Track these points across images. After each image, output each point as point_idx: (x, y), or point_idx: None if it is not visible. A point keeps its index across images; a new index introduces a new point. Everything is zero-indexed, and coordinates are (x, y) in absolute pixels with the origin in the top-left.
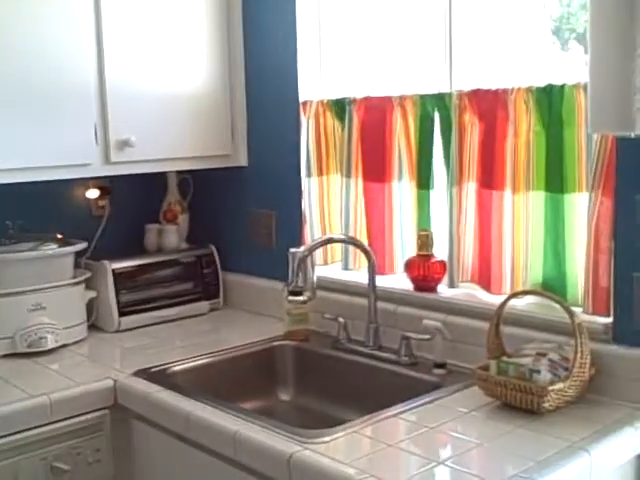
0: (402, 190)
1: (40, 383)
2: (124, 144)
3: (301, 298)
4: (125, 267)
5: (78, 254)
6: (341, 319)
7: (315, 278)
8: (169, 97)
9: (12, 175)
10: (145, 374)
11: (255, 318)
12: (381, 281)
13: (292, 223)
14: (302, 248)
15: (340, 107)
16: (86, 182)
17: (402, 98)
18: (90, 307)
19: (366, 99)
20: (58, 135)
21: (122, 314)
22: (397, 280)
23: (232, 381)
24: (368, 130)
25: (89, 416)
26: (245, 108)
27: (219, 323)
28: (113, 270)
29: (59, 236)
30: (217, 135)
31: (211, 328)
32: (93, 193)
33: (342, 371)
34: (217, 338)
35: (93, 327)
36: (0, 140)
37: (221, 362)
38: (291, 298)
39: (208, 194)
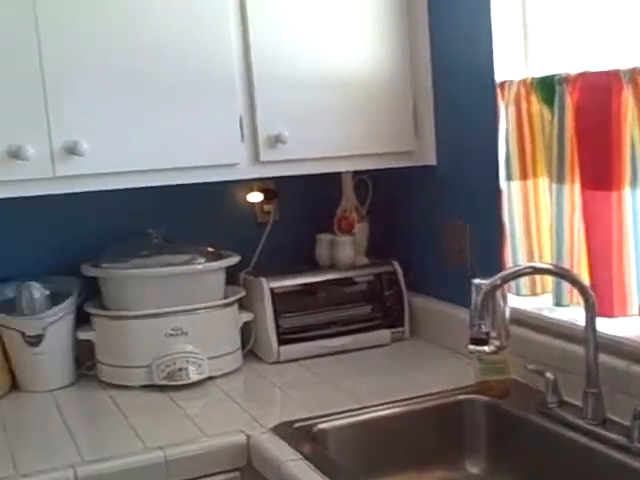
0: (638, 201)
1: (162, 430)
2: (275, 140)
3: (486, 349)
4: (287, 286)
5: (233, 268)
6: (550, 374)
7: (508, 315)
8: (333, 83)
9: (148, 178)
10: (286, 430)
11: (444, 355)
12: (607, 326)
13: (489, 239)
14: (492, 278)
15: (548, 87)
16: (249, 183)
17: (635, 72)
18: (248, 331)
19: (583, 75)
20: (199, 131)
21: (282, 342)
22: (631, 326)
23: (404, 444)
24: (587, 117)
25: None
26: (432, 94)
27: (400, 359)
28: (272, 289)
29: (209, 249)
30: (397, 128)
31: (389, 365)
32: (256, 197)
33: (550, 446)
34: (391, 382)
35: (252, 354)
36: (135, 139)
37: (391, 418)
38: (472, 348)
39: (390, 199)
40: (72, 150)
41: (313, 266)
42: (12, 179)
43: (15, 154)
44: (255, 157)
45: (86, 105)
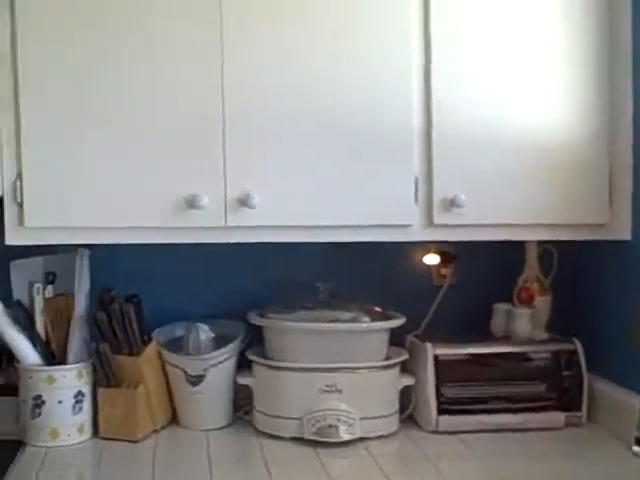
0: None
1: None
2: (451, 203)
3: None
4: (454, 354)
5: (401, 330)
6: None
7: None
8: (518, 146)
9: (317, 234)
10: None
11: (621, 450)
12: None
13: None
14: None
15: None
16: (425, 245)
17: None
18: (409, 396)
19: None
20: (372, 190)
21: (443, 412)
22: None
23: None
24: None
25: None
26: (631, 161)
27: (570, 447)
28: (436, 356)
29: (376, 308)
30: (589, 197)
31: (556, 452)
32: (433, 259)
33: None
34: (553, 472)
35: (411, 420)
36: (306, 195)
37: None
38: (637, 449)
39: (577, 272)
40: (244, 202)
41: (486, 336)
42: (187, 226)
43: (191, 203)
44: (428, 220)
45: (261, 158)
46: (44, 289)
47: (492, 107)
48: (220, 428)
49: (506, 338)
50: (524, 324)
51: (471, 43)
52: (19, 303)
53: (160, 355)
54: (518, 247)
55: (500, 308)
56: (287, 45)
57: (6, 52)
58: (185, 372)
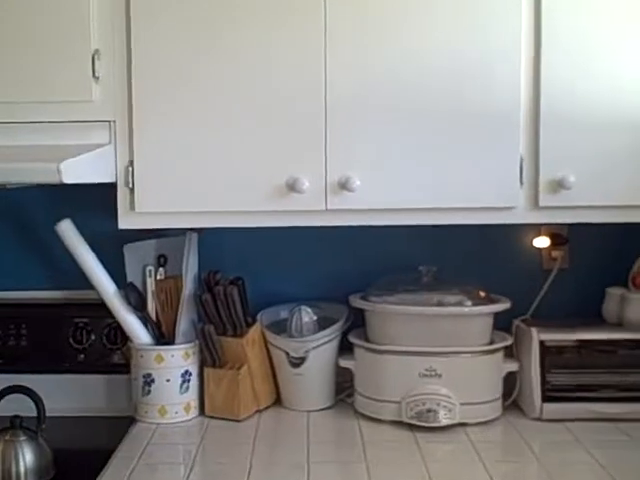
0: None
1: (392, 469)
2: (558, 185)
3: None
4: (561, 340)
5: (508, 314)
6: None
7: None
8: (632, 125)
9: (418, 216)
10: None
11: None
12: None
13: None
14: None
15: None
16: (535, 227)
17: None
18: (513, 382)
19: None
20: (474, 172)
21: (548, 399)
22: None
23: None
24: None
25: None
26: None
27: None
28: (542, 342)
29: (480, 292)
30: None
31: None
32: (543, 241)
33: None
34: None
35: (515, 406)
36: (407, 177)
37: None
38: None
39: None
40: (344, 185)
41: (597, 321)
42: (288, 210)
43: (292, 187)
44: (534, 202)
45: (361, 141)
46: (156, 271)
47: (605, 83)
48: (321, 410)
49: (619, 324)
50: (638, 310)
51: (583, 16)
52: (132, 285)
53: (264, 337)
54: (635, 229)
55: (613, 293)
56: (390, 28)
57: (122, 41)
58: (287, 354)
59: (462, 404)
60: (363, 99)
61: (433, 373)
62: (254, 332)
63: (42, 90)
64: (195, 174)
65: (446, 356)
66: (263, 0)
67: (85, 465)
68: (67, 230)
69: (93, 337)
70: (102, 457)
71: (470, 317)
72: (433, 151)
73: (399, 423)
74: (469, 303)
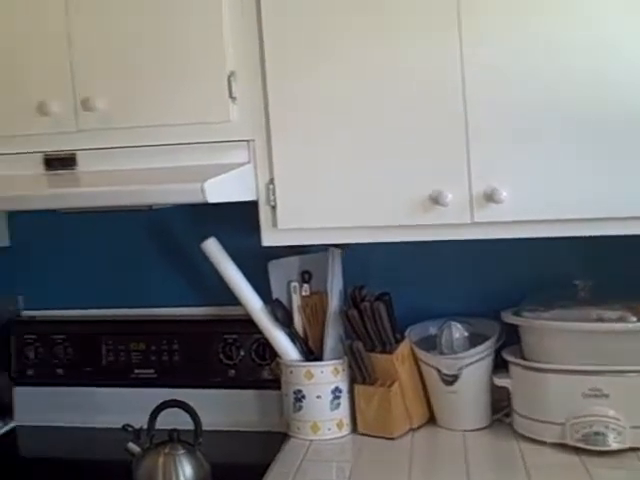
0: None
1: None
2: None
3: None
4: None
5: None
6: None
7: None
8: None
9: (574, 227)
10: None
11: None
12: None
13: None
14: None
15: None
16: None
17: None
18: None
19: None
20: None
21: None
22: None
23: None
24: None
25: None
26: None
27: None
28: None
29: None
30: None
31: None
32: None
33: None
34: None
35: None
36: (560, 186)
37: None
38: None
39: None
40: (490, 197)
41: None
42: (432, 223)
43: (436, 200)
44: None
45: (507, 153)
46: (301, 287)
47: None
48: (478, 429)
49: None
50: None
51: None
52: (278, 301)
53: (413, 353)
54: None
55: None
56: (539, 38)
57: (256, 63)
58: (439, 371)
59: (632, 427)
60: (507, 112)
61: (599, 393)
62: (404, 348)
63: (181, 113)
64: (336, 190)
65: (612, 375)
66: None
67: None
68: (212, 248)
69: (242, 353)
70: (257, 472)
71: (635, 333)
72: (589, 165)
73: (562, 446)
74: (634, 319)
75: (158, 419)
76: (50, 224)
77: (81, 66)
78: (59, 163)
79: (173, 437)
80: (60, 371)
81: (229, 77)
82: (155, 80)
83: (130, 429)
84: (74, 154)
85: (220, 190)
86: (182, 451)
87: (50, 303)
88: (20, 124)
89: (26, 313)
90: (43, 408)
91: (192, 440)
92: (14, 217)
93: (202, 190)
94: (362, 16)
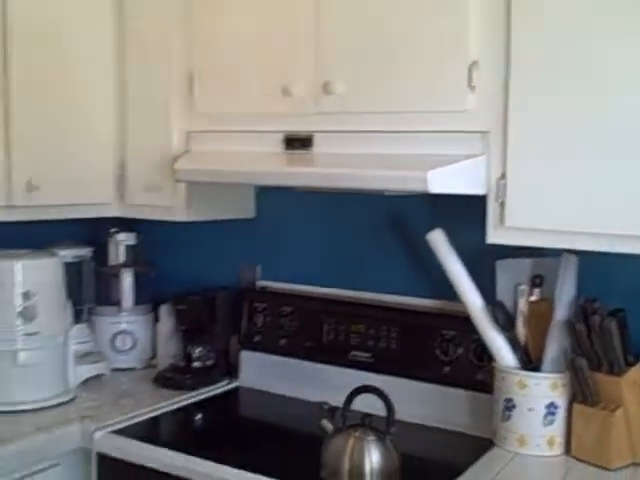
0: None
1: None
2: None
3: None
4: None
5: None
6: None
7: None
8: None
9: None
10: None
11: None
12: None
13: None
14: None
15: None
16: None
17: None
18: None
19: None
20: None
21: None
22: None
23: None
24: None
25: None
26: None
27: None
28: None
29: None
30: None
31: None
32: None
33: None
34: None
35: None
36: None
37: None
38: None
39: None
40: None
41: None
42: None
43: None
44: None
45: None
46: (529, 292)
47: None
48: None
49: None
50: None
51: None
52: (501, 303)
53: None
54: None
55: None
56: None
57: (501, 53)
58: None
59: None
60: None
61: None
62: (635, 373)
63: (416, 100)
64: (574, 191)
65: None
66: None
67: (432, 477)
68: (438, 240)
69: (460, 351)
70: (449, 473)
71: None
72: None
73: None
74: None
75: (358, 401)
76: (290, 201)
77: (325, 50)
78: (298, 143)
79: (365, 422)
80: (283, 342)
81: (470, 66)
82: (393, 65)
83: (326, 407)
84: (311, 135)
85: (444, 181)
86: (372, 437)
87: (283, 276)
88: (265, 104)
89: (261, 283)
90: (263, 373)
91: (384, 428)
92: (261, 192)
93: (425, 179)
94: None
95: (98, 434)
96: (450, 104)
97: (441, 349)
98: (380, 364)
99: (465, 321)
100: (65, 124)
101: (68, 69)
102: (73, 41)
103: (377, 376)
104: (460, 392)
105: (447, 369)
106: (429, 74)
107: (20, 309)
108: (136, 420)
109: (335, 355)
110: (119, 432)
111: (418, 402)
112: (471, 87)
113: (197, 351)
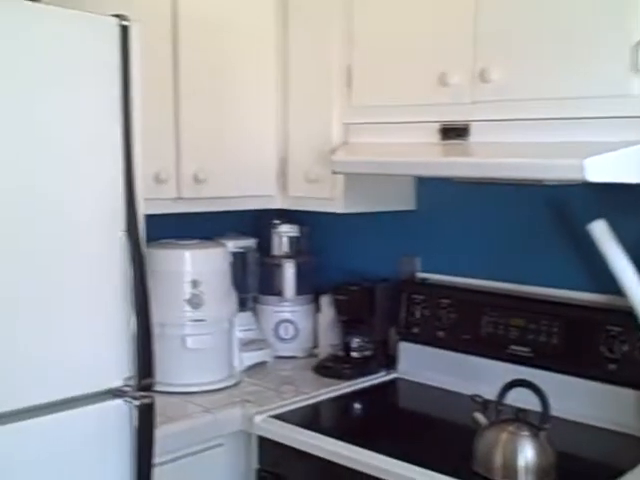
0: None
1: None
2: None
3: None
4: None
5: None
6: None
7: None
8: None
9: None
10: None
11: None
12: None
13: None
14: None
15: None
16: None
17: None
18: None
19: None
20: None
21: None
22: None
23: None
24: None
25: None
26: None
27: None
28: None
29: None
30: None
31: None
32: None
33: None
34: None
35: None
36: None
37: None
38: None
39: None
40: None
41: None
42: None
43: None
44: None
45: None
46: None
47: None
48: None
49: None
50: None
51: None
52: None
53: None
54: None
55: None
56: None
57: None
58: None
59: None
60: None
61: None
62: None
63: (577, 86)
64: None
65: None
66: None
67: (589, 476)
68: (600, 231)
69: (626, 348)
70: (608, 475)
71: None
72: None
73: None
74: None
75: (512, 396)
76: (449, 192)
77: (483, 37)
78: (454, 133)
79: (519, 417)
80: (441, 334)
81: (635, 47)
82: (552, 51)
83: (479, 400)
84: (468, 125)
85: (604, 169)
86: (526, 433)
87: (442, 267)
88: (420, 94)
89: (420, 275)
90: (421, 365)
91: (538, 423)
92: (421, 184)
93: (581, 167)
94: None
95: (258, 418)
96: (613, 88)
97: (606, 345)
98: (539, 359)
99: (631, 317)
100: (229, 119)
101: (232, 67)
102: (237, 39)
103: (536, 371)
104: (626, 391)
105: (612, 367)
106: (591, 57)
107: (188, 296)
108: (295, 406)
109: (493, 349)
110: (278, 417)
111: (578, 399)
112: (637, 70)
113: (356, 341)
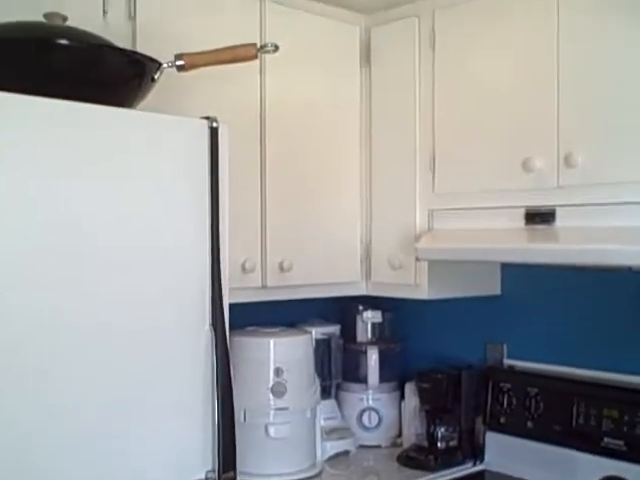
0: None
1: None
2: None
3: None
4: None
5: None
6: None
7: None
8: None
9: None
10: None
11: None
12: None
13: None
14: None
15: None
16: None
17: None
18: None
19: None
20: None
21: None
22: None
23: None
24: None
25: None
26: None
27: None
28: None
29: None
30: None
31: None
32: None
33: None
34: None
35: None
36: None
37: None
38: None
39: None
40: None
41: None
42: None
43: None
44: None
45: None
46: None
47: None
48: None
49: None
50: None
51: None
52: None
53: None
54: None
55: None
56: None
57: None
58: None
59: None
60: None
61: None
62: None
63: None
64: None
65: None
66: None
67: None
68: None
69: None
70: None
71: None
72: None
73: None
74: None
75: None
76: (535, 277)
77: (566, 121)
78: (539, 218)
79: None
80: (530, 424)
81: None
82: (635, 134)
83: None
84: (554, 209)
85: None
86: None
87: (529, 355)
88: (505, 179)
89: (507, 362)
90: (510, 457)
91: None
92: (505, 268)
93: None
94: None
95: None
96: None
97: None
98: (635, 453)
99: None
100: (313, 206)
101: (317, 154)
102: (322, 127)
103: (630, 466)
104: None
105: None
106: None
107: (272, 384)
108: None
109: (585, 441)
110: None
111: None
112: None
113: (441, 431)
